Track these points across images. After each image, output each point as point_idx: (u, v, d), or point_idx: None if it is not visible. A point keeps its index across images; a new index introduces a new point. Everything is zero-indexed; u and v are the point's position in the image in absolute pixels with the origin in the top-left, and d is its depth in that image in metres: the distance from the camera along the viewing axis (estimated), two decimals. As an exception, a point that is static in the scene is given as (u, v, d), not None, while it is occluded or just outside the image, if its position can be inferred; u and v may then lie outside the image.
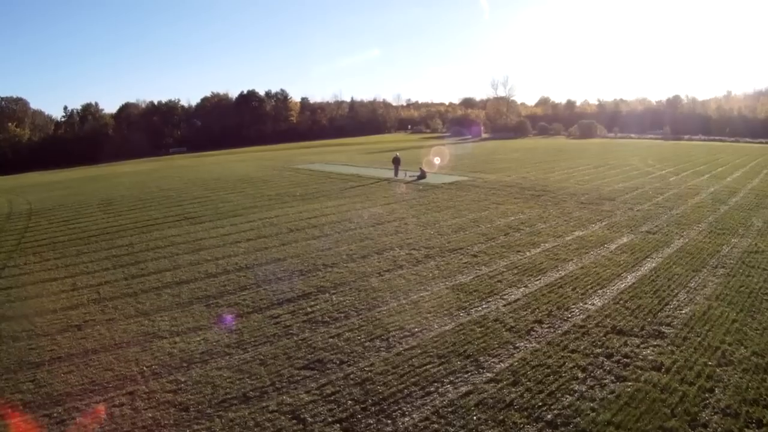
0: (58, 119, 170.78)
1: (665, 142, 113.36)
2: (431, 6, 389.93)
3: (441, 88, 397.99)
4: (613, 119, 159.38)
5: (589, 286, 17.45)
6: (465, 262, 20.43)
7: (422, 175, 47.01)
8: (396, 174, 49.57)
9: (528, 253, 21.41)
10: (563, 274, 18.78)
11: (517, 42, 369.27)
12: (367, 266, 20.54)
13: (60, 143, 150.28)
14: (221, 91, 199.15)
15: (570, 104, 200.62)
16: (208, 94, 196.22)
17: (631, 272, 18.86)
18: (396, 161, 50.56)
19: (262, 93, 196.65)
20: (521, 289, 17.34)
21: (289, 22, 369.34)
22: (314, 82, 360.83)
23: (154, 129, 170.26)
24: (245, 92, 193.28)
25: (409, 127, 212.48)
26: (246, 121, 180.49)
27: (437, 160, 65.17)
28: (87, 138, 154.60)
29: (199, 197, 41.10)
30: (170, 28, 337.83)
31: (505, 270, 19.34)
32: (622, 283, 17.73)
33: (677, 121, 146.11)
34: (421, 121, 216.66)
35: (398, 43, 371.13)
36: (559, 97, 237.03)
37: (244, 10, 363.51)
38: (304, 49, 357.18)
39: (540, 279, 18.31)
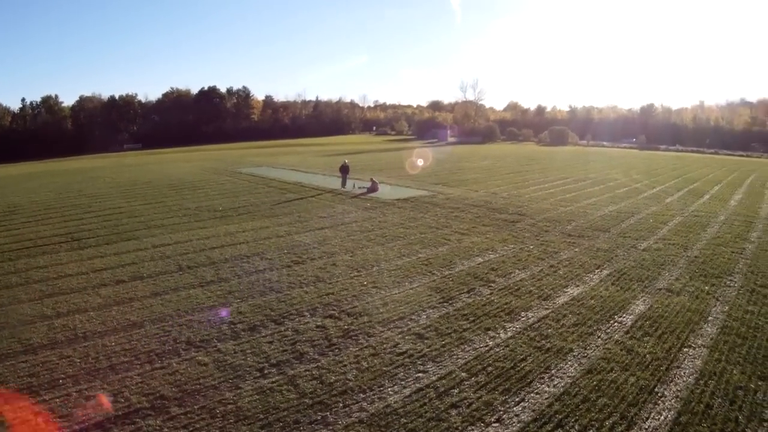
0: (15, 111, 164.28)
1: (641, 152, 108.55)
2: (402, 8, 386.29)
3: (410, 90, 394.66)
4: (584, 126, 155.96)
5: (608, 423, 10.06)
6: (401, 353, 12.82)
7: (373, 188, 39.45)
8: (343, 185, 42.07)
9: (502, 334, 13.92)
10: (561, 387, 11.32)
11: (488, 47, 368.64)
12: (250, 352, 12.86)
13: (13, 136, 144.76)
14: (182, 86, 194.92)
15: (540, 110, 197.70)
16: (168, 90, 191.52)
17: (668, 382, 11.60)
18: (344, 170, 42.80)
19: (223, 90, 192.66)
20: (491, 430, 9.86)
21: (259, 20, 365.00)
22: (280, 79, 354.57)
23: (110, 124, 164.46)
24: (206, 88, 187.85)
25: (374, 128, 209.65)
26: (205, 118, 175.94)
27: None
28: (40, 132, 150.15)
29: (109, 208, 33.21)
30: (140, 21, 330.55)
31: (465, 375, 11.77)
32: (659, 413, 10.45)
33: (651, 130, 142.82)
34: (386, 122, 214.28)
35: (370, 44, 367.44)
36: (528, 103, 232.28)
37: (212, 5, 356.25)
38: (273, 47, 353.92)
39: (524, 401, 10.81)
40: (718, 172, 62.45)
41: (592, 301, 16.31)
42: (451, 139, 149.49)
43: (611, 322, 14.82)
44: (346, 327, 14.31)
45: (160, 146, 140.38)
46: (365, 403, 10.67)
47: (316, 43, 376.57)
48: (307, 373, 11.86)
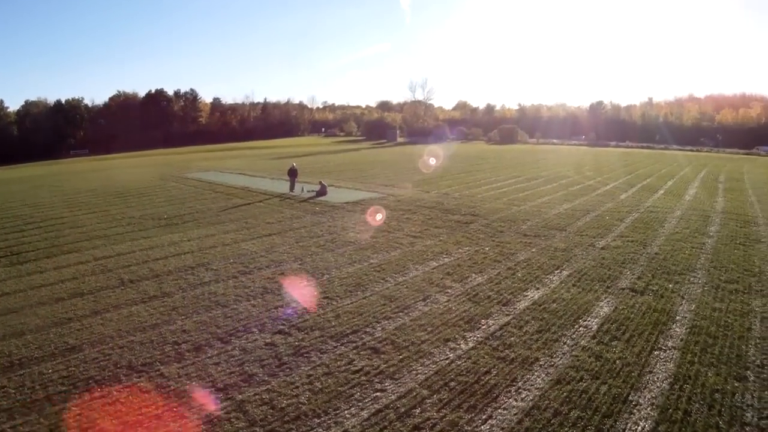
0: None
1: (591, 149, 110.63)
2: (354, 8, 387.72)
3: (358, 90, 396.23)
4: (533, 124, 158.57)
5: (583, 439, 9.54)
6: (357, 371, 11.98)
7: (322, 191, 38.60)
8: (291, 188, 41.10)
9: (463, 345, 13.23)
10: (530, 401, 10.69)
11: (437, 47, 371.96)
12: (195, 375, 11.86)
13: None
14: (129, 90, 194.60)
15: (489, 108, 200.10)
16: (115, 93, 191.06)
17: (642, 389, 11.13)
18: (292, 173, 41.86)
19: (171, 92, 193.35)
20: (458, 455, 9.19)
21: (206, 21, 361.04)
22: (229, 80, 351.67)
23: (57, 129, 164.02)
24: (153, 91, 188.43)
25: (323, 130, 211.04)
26: (152, 121, 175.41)
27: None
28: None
29: (51, 218, 31.80)
30: (90, 21, 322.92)
31: (426, 393, 11.03)
32: (636, 423, 9.99)
33: (600, 127, 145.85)
34: (335, 124, 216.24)
35: (317, 44, 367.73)
36: (477, 102, 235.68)
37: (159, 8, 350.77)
38: (221, 48, 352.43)
39: (492, 418, 10.15)
40: (669, 167, 63.69)
41: (555, 305, 15.83)
42: (399, 139, 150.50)
43: (576, 326, 14.34)
44: (296, 343, 13.43)
45: (108, 151, 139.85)
46: (321, 429, 9.85)
47: (265, 44, 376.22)
48: (257, 397, 10.96)
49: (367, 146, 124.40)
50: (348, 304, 16.08)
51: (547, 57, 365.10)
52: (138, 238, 25.74)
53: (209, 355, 12.91)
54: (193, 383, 11.53)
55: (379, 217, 29.27)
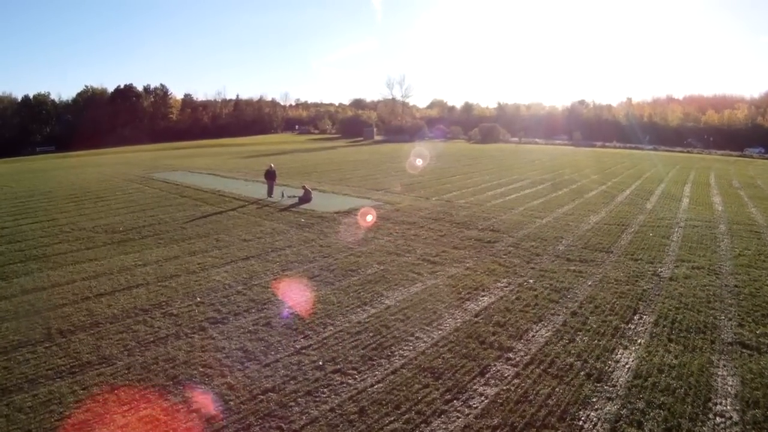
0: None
1: (578, 149, 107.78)
2: (324, 6, 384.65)
3: (332, 88, 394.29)
4: (512, 123, 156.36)
5: None
6: None
7: (306, 198, 33.96)
8: (270, 193, 36.34)
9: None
10: None
11: (409, 45, 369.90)
12: None
13: None
14: (97, 85, 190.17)
15: (467, 107, 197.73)
16: (83, 88, 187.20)
17: None
18: (270, 176, 36.92)
19: (140, 88, 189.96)
20: None
21: (178, 17, 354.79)
22: (200, 77, 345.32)
23: (22, 125, 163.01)
24: (122, 86, 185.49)
25: (297, 127, 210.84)
26: (121, 118, 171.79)
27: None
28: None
29: None
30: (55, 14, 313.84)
31: None
32: None
33: (583, 127, 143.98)
34: (309, 121, 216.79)
35: (290, 42, 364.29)
36: (453, 101, 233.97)
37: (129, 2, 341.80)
38: (193, 45, 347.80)
39: None
40: (673, 170, 60.40)
41: (665, 378, 11.29)
42: (377, 137, 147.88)
43: (710, 415, 9.95)
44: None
45: (75, 148, 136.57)
46: None
47: (236, 41, 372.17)
48: None
49: (343, 144, 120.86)
50: (371, 386, 11.10)
51: (524, 56, 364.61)
52: (83, 260, 20.89)
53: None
54: None
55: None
